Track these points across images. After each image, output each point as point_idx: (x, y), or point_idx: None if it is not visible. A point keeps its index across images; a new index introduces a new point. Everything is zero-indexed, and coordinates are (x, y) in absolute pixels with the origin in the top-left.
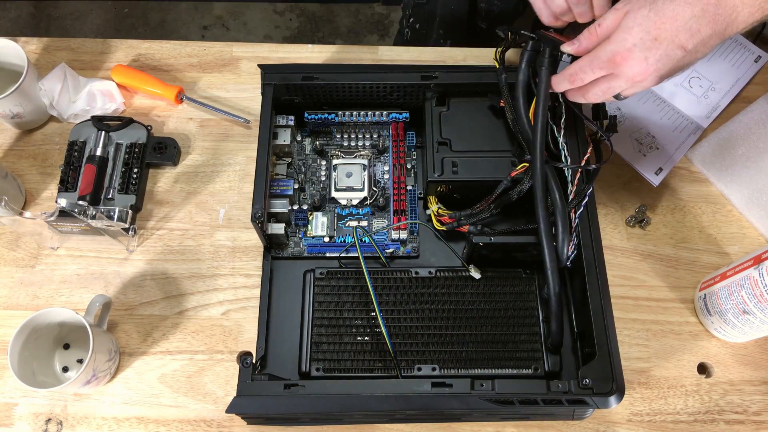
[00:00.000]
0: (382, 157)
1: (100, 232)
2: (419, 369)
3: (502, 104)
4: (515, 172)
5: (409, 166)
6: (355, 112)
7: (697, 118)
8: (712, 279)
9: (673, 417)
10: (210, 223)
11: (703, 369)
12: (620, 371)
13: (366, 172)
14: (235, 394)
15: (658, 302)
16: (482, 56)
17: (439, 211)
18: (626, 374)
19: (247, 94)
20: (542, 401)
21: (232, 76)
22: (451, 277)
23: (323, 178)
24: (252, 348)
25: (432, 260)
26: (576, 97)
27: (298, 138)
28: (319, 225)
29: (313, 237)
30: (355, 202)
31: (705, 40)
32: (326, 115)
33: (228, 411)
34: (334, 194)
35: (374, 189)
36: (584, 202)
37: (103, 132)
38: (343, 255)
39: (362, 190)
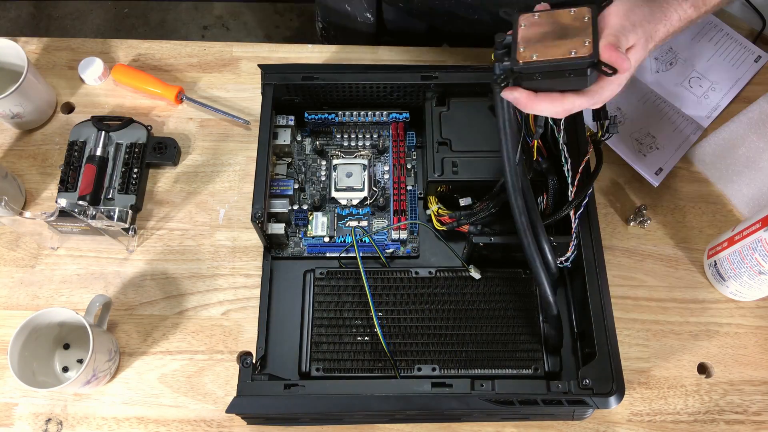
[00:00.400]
0: (382, 157)
1: (100, 232)
2: (419, 369)
3: None
4: None
5: (409, 166)
6: (355, 112)
7: (697, 118)
8: (720, 245)
9: (673, 417)
10: (210, 223)
11: (703, 369)
12: (620, 371)
13: (366, 172)
14: (235, 394)
15: (658, 302)
16: (482, 56)
17: (439, 211)
18: (626, 374)
19: (247, 94)
20: (542, 401)
21: (232, 76)
22: (451, 277)
23: (323, 178)
24: (252, 348)
25: (432, 260)
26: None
27: (298, 138)
28: (319, 225)
29: (313, 237)
30: (355, 202)
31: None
32: (326, 115)
33: (228, 411)
34: (334, 194)
35: (374, 189)
36: (584, 202)
37: (103, 132)
38: (343, 255)
39: (362, 190)
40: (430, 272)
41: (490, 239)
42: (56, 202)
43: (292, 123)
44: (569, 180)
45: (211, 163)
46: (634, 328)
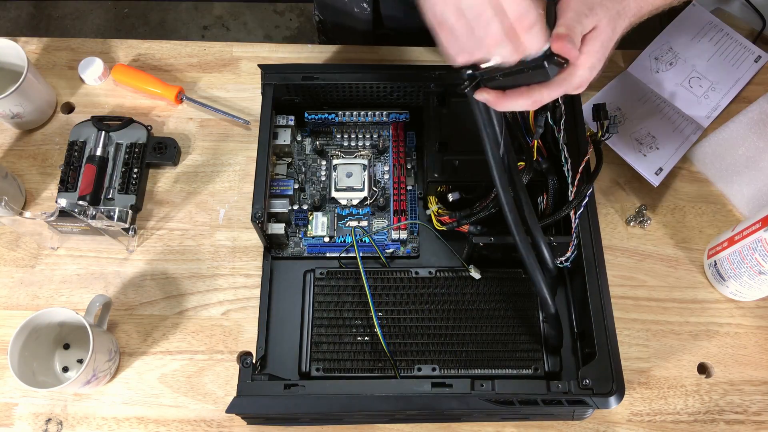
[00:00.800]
0: (382, 157)
1: (100, 232)
2: (419, 369)
3: None
4: None
5: (409, 166)
6: (355, 112)
7: (697, 118)
8: (720, 245)
9: (673, 417)
10: (210, 223)
11: (703, 369)
12: (620, 371)
13: (366, 172)
14: (235, 394)
15: (658, 302)
16: None
17: (439, 211)
18: (626, 374)
19: (247, 94)
20: (542, 401)
21: (232, 76)
22: (451, 277)
23: (323, 178)
24: (252, 348)
25: (432, 260)
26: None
27: (298, 138)
28: (319, 225)
29: (313, 237)
30: (355, 202)
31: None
32: (326, 115)
33: (228, 411)
34: (334, 194)
35: (374, 189)
36: (584, 202)
37: (103, 132)
38: (343, 255)
39: (362, 190)
40: (430, 272)
41: (490, 239)
42: (56, 202)
43: (292, 123)
44: (569, 180)
45: (211, 163)
46: (634, 328)
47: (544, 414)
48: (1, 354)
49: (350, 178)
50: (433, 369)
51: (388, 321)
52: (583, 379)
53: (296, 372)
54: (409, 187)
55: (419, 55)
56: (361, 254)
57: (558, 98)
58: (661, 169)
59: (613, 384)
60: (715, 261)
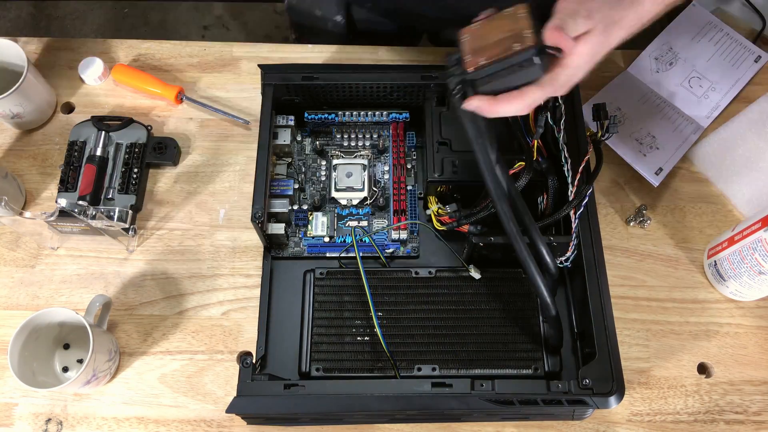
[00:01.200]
0: (382, 157)
1: (100, 232)
2: (419, 369)
3: None
4: (512, 171)
5: (409, 166)
6: (355, 112)
7: (697, 118)
8: (720, 245)
9: (673, 417)
10: (210, 223)
11: (703, 369)
12: (620, 371)
13: (366, 172)
14: (235, 394)
15: (658, 302)
16: None
17: (439, 211)
18: (626, 374)
19: (247, 94)
20: (542, 401)
21: (232, 76)
22: (451, 277)
23: (323, 178)
24: (252, 348)
25: (432, 260)
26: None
27: (298, 138)
28: (319, 225)
29: (313, 237)
30: (355, 202)
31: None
32: (326, 115)
33: (228, 411)
34: (334, 194)
35: (374, 189)
36: (584, 202)
37: (103, 132)
38: (343, 255)
39: (362, 190)
40: (430, 272)
41: (490, 239)
42: (56, 202)
43: (292, 123)
44: (569, 180)
45: (211, 163)
46: (634, 328)
47: (544, 414)
48: (1, 354)
49: (350, 178)
50: (433, 369)
51: (388, 321)
52: (583, 379)
53: (296, 372)
54: (409, 187)
55: (419, 55)
56: (361, 254)
57: (558, 98)
58: (661, 169)
59: (613, 384)
60: (715, 261)
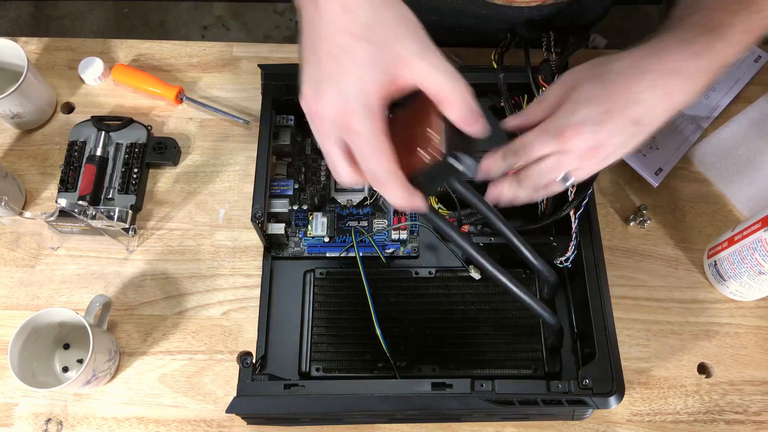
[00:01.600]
0: None
1: (100, 232)
2: (419, 369)
3: (502, 104)
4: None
5: None
6: None
7: (697, 118)
8: (720, 245)
9: (673, 417)
10: (210, 223)
11: (703, 369)
12: (620, 371)
13: None
14: (235, 394)
15: (658, 302)
16: (482, 56)
17: (439, 211)
18: (626, 374)
19: (247, 94)
20: (542, 401)
21: (232, 76)
22: (451, 277)
23: (323, 178)
24: (252, 348)
25: (432, 260)
26: (512, 187)
27: (298, 138)
28: (319, 225)
29: (313, 237)
30: (355, 202)
31: (658, 115)
32: None
33: (228, 411)
34: (334, 194)
35: (374, 189)
36: (584, 202)
37: (103, 132)
38: (343, 255)
39: (362, 190)
40: (430, 272)
41: (490, 239)
42: (56, 202)
43: (292, 123)
44: None
45: (211, 163)
46: (634, 328)
47: (544, 414)
48: (1, 354)
49: None
50: (433, 369)
51: (388, 321)
52: (583, 379)
53: (296, 372)
54: None
55: None
56: (361, 254)
57: None
58: (661, 169)
59: (613, 384)
60: (715, 261)
